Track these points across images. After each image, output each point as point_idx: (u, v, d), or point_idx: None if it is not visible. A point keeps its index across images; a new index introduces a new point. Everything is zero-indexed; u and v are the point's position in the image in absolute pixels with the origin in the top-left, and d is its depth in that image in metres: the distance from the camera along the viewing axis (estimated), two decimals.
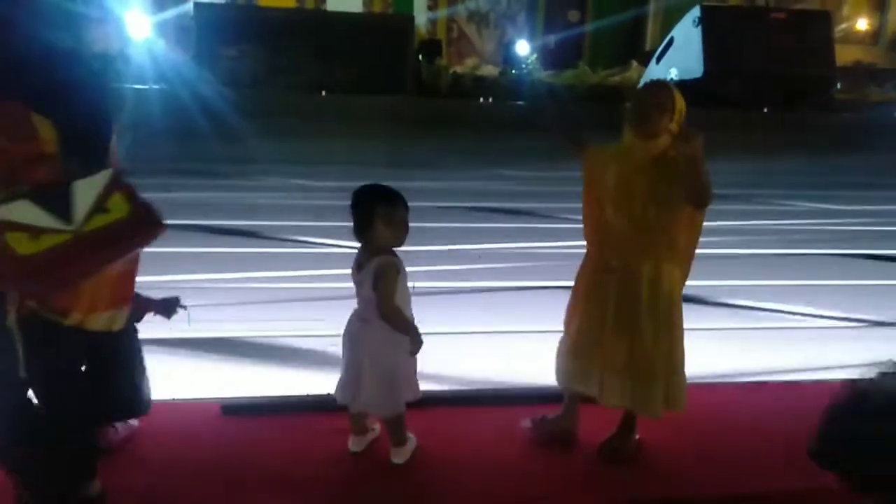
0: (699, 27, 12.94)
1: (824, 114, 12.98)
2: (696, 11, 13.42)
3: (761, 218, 6.29)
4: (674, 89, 2.02)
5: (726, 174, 8.13)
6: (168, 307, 2.01)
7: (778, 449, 2.16)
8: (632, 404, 2.04)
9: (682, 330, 2.06)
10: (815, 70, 13.07)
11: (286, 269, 4.09)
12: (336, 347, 2.05)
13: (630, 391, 2.01)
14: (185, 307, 2.01)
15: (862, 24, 20.83)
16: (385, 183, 1.97)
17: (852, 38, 20.46)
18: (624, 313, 2.00)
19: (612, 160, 2.04)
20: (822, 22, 14.15)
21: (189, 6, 17.83)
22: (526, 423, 2.18)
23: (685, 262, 2.07)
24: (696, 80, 12.75)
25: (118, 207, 1.50)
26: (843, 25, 21.12)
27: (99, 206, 1.48)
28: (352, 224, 1.95)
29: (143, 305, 1.95)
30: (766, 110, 12.91)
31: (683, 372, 2.07)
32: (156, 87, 11.69)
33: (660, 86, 2.06)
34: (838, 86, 14.39)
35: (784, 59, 12.42)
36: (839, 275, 4.54)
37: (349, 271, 1.99)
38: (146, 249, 1.60)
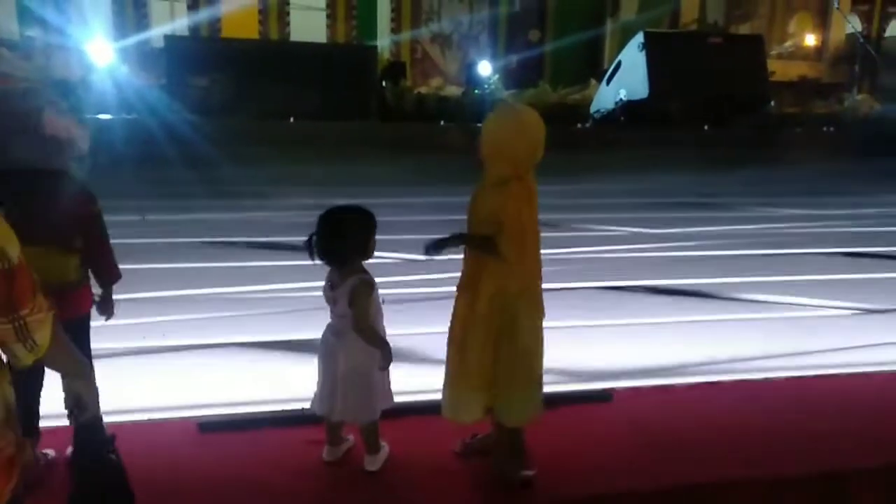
0: (643, 51, 13.69)
1: (763, 128, 13.75)
2: (640, 37, 14.17)
3: (728, 223, 6.63)
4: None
5: (673, 184, 8.57)
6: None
7: (731, 441, 2.33)
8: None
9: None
10: (750, 89, 14.00)
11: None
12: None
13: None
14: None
15: (810, 39, 21.76)
16: (344, 201, 2.10)
17: (798, 54, 21.38)
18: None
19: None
20: (756, 45, 15.18)
21: (153, 34, 17.82)
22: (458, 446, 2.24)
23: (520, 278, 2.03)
24: (642, 100, 13.48)
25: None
26: (790, 42, 22.07)
27: None
28: (332, 247, 2.00)
29: None
30: (706, 128, 13.70)
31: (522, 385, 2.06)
32: (127, 116, 11.69)
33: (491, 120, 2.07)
34: (772, 103, 15.29)
35: (721, 80, 13.30)
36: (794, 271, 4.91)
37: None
38: None
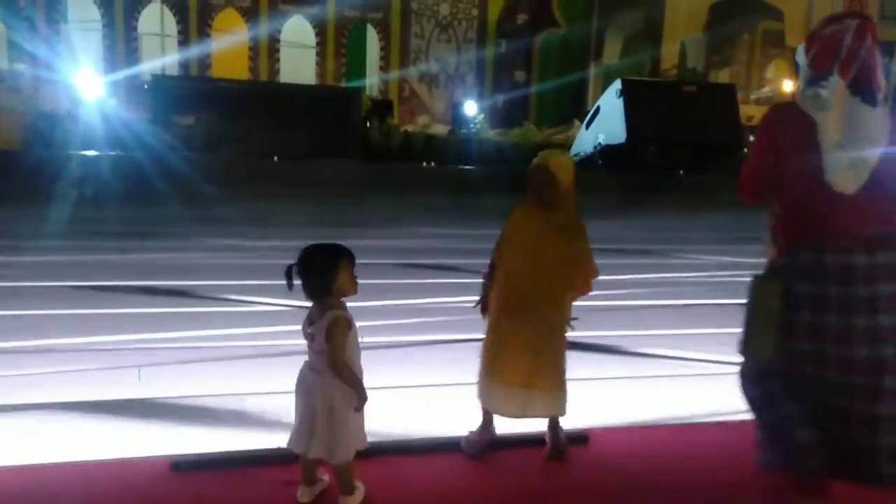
0: (621, 98, 14.17)
1: (737, 173, 14.22)
2: (617, 84, 14.71)
3: (675, 270, 6.59)
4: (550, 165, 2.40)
5: (644, 230, 8.66)
6: None
7: (708, 484, 2.34)
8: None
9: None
10: (724, 135, 14.49)
11: (232, 328, 4.13)
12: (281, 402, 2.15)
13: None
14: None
15: (787, 85, 22.44)
16: (327, 240, 2.13)
17: (776, 99, 22.02)
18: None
19: (523, 223, 2.45)
20: (729, 93, 15.82)
21: (143, 69, 18.01)
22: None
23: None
24: (620, 144, 13.91)
25: None
26: (768, 88, 22.76)
27: None
28: (304, 283, 2.05)
29: None
30: (681, 173, 14.14)
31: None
32: (111, 153, 11.76)
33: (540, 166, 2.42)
34: (745, 150, 15.90)
35: (696, 127, 13.78)
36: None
37: (292, 328, 2.11)
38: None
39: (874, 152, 1.92)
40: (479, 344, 2.50)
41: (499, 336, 2.41)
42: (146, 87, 15.28)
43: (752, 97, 22.19)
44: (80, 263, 5.86)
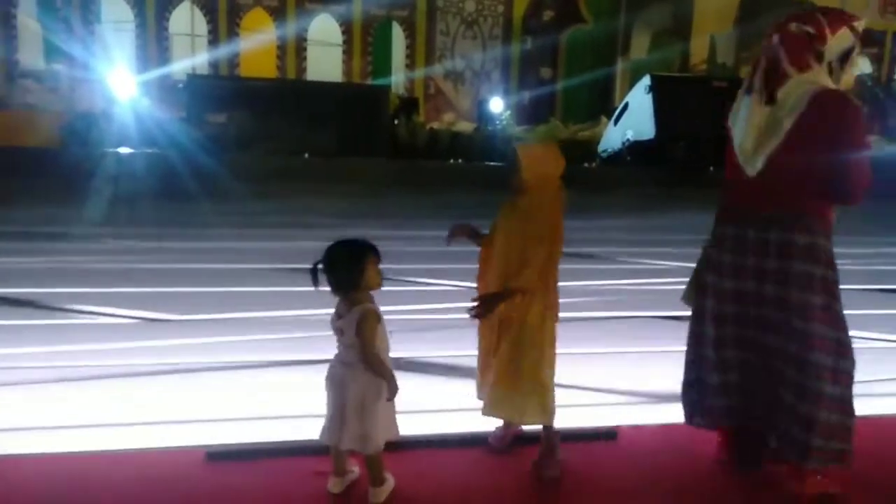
0: (650, 94, 14.02)
1: None
2: (646, 79, 14.56)
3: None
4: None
5: (676, 228, 8.57)
6: None
7: (736, 481, 2.32)
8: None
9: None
10: None
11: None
12: None
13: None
14: None
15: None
16: (356, 233, 2.17)
17: None
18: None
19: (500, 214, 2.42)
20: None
21: (174, 68, 18.34)
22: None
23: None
24: (649, 141, 13.78)
25: None
26: None
27: None
28: (332, 279, 2.09)
29: None
30: (711, 169, 13.92)
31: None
32: (147, 150, 12.05)
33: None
34: None
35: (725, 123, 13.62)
36: None
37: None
38: None
39: (751, 140, 2.24)
40: None
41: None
42: (181, 86, 15.55)
43: None
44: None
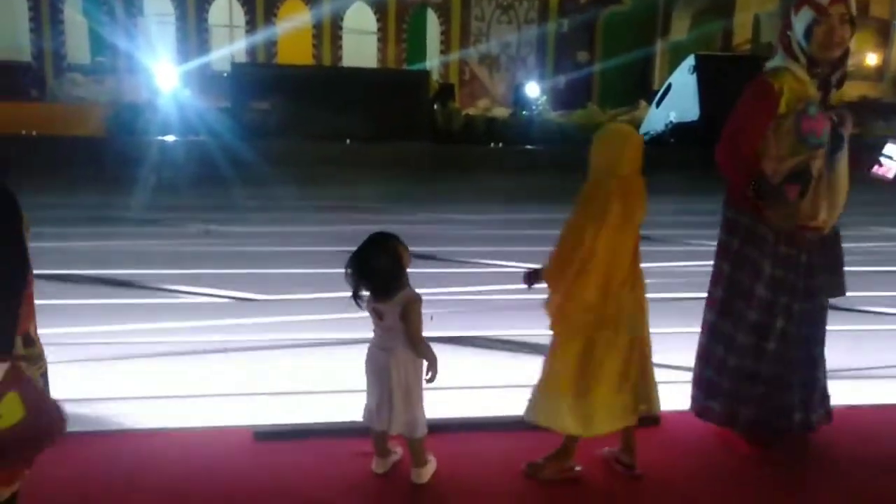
0: (694, 74, 13.64)
1: None
2: (691, 60, 14.17)
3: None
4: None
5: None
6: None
7: (781, 471, 2.28)
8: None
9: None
10: None
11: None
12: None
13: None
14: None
15: (871, 58, 21.06)
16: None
17: (859, 73, 20.72)
18: None
19: None
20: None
21: (213, 58, 18.63)
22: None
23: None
24: (692, 122, 13.42)
25: (12, 411, 1.26)
26: (850, 62, 21.39)
27: None
28: (375, 286, 2.07)
29: None
30: None
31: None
32: (193, 137, 12.33)
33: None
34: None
35: None
36: None
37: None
38: None
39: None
40: None
41: None
42: (226, 74, 15.76)
43: None
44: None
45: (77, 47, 19.10)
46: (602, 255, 2.11)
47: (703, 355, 2.47)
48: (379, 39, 21.12)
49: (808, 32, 2.19)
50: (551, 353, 2.22)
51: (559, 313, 2.19)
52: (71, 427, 1.45)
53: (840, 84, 2.29)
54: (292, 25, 19.77)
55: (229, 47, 19.06)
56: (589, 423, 2.15)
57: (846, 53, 2.26)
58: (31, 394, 1.31)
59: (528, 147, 14.26)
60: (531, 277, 2.26)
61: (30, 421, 1.28)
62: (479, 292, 4.64)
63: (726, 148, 2.27)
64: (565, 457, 2.23)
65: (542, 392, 2.21)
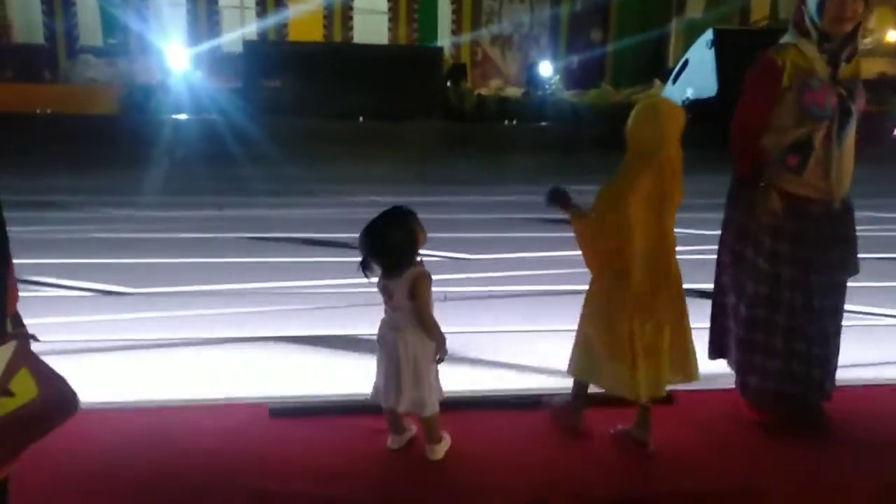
0: (712, 49, 13.34)
1: None
2: (709, 34, 13.85)
3: None
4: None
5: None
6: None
7: (793, 447, 2.28)
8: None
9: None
10: None
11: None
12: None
13: None
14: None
15: (891, 35, 20.59)
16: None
17: (878, 51, 20.25)
18: None
19: None
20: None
21: (224, 40, 18.56)
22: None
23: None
24: (710, 98, 13.19)
25: (25, 389, 1.24)
26: (869, 39, 20.92)
27: (2, 389, 1.22)
28: (388, 261, 2.06)
29: None
30: None
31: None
32: (208, 116, 12.35)
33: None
34: None
35: None
36: None
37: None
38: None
39: None
40: None
41: None
42: (239, 53, 15.60)
43: None
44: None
45: (89, 29, 19.10)
46: (638, 227, 2.14)
47: (713, 325, 2.58)
48: (390, 20, 20.91)
49: (821, 6, 2.22)
50: (590, 322, 2.27)
51: (597, 283, 2.25)
52: None
53: (850, 59, 2.30)
54: (303, 6, 19.62)
55: (240, 29, 18.97)
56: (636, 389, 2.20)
57: (857, 28, 2.27)
58: (43, 370, 1.29)
59: (543, 125, 14.13)
60: (554, 198, 2.25)
61: (44, 398, 1.26)
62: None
63: (735, 124, 2.37)
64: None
65: (595, 354, 2.25)
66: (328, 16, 20.44)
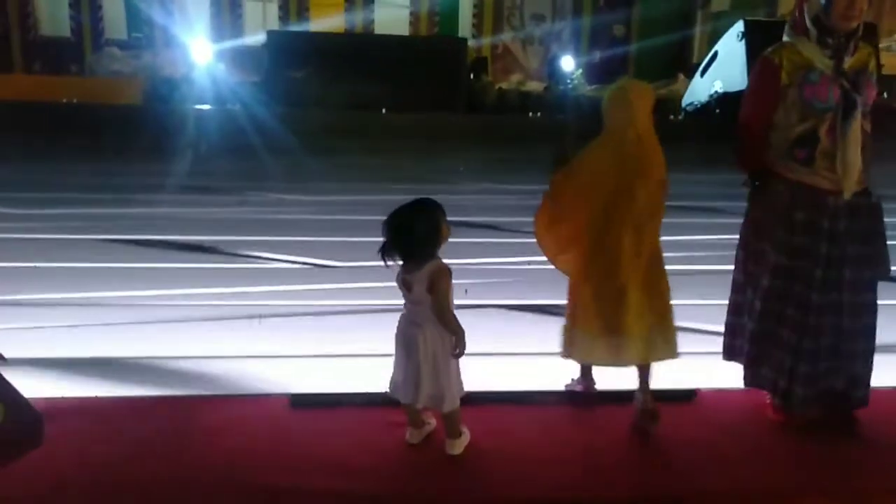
0: (742, 41, 13.07)
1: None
2: (739, 26, 13.56)
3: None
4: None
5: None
6: None
7: (816, 447, 2.25)
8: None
9: None
10: None
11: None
12: None
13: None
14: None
15: None
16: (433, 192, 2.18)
17: None
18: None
19: None
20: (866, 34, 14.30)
21: (247, 34, 18.68)
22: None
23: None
24: (740, 91, 12.92)
25: None
26: (893, 37, 20.40)
27: None
28: (409, 250, 2.05)
29: None
30: None
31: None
32: (230, 107, 12.42)
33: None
34: (884, 95, 14.28)
35: None
36: None
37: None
38: None
39: None
40: None
41: None
42: (263, 44, 15.63)
43: (883, 45, 19.97)
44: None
45: (114, 23, 19.33)
46: (593, 196, 2.28)
47: (729, 317, 2.57)
48: (411, 13, 20.88)
49: (829, 3, 2.24)
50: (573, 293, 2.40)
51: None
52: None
53: (854, 52, 2.31)
54: (324, 1, 19.68)
55: (262, 23, 19.06)
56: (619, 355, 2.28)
57: (860, 25, 2.30)
58: (10, 394, 1.24)
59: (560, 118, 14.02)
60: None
61: (11, 422, 1.21)
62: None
63: (739, 124, 2.46)
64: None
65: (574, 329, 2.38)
66: (350, 10, 20.47)
